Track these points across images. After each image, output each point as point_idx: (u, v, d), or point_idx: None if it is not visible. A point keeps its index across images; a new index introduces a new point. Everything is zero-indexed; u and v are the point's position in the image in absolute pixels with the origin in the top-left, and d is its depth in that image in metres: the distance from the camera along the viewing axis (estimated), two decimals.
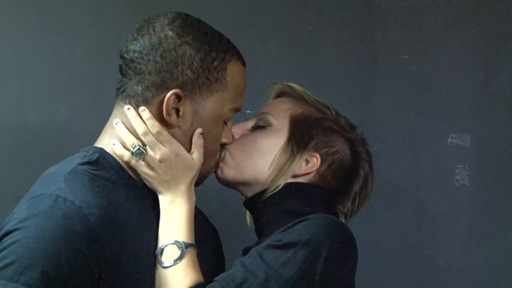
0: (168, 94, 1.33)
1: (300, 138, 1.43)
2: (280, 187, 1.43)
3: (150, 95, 1.34)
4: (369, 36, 2.15)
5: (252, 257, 1.30)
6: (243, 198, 1.51)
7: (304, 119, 1.45)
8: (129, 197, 1.35)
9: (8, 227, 1.22)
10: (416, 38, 2.16)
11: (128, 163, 1.36)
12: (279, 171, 1.43)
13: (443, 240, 2.15)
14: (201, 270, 1.35)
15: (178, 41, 1.34)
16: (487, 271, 2.15)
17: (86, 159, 1.35)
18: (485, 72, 2.16)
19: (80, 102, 1.93)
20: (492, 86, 2.16)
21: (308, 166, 1.44)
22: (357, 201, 1.51)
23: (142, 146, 1.35)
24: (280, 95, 1.55)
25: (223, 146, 1.46)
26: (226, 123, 1.41)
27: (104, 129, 1.42)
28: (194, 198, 1.38)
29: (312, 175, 1.46)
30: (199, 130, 1.36)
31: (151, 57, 1.33)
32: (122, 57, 1.37)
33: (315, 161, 1.45)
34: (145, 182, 1.37)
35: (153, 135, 1.33)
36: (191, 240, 1.33)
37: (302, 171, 1.44)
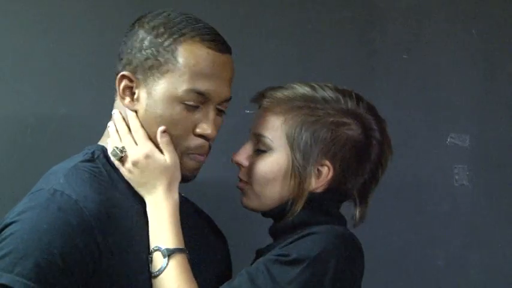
0: (118, 76, 1.38)
1: (301, 153, 1.37)
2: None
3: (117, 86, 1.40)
4: (368, 36, 2.15)
5: (259, 270, 1.29)
6: None
7: (299, 130, 1.37)
8: (127, 195, 1.37)
9: (7, 220, 1.26)
10: (415, 38, 2.16)
11: None
12: (298, 193, 1.39)
13: (443, 240, 2.15)
14: (206, 277, 1.36)
15: (137, 28, 1.39)
16: (486, 271, 2.15)
17: (87, 157, 1.38)
18: (484, 72, 2.16)
19: (79, 102, 1.93)
20: (491, 86, 2.16)
21: (321, 178, 1.39)
22: (379, 170, 1.48)
23: (121, 148, 1.37)
24: (266, 105, 1.45)
25: (207, 139, 1.38)
26: (193, 106, 1.35)
27: (107, 128, 1.45)
28: (176, 201, 1.35)
29: (328, 182, 1.41)
30: (161, 129, 1.35)
31: (122, 51, 1.41)
32: None
33: (327, 170, 1.39)
34: None
35: (131, 136, 1.36)
36: (177, 245, 1.31)
37: (318, 185, 1.40)
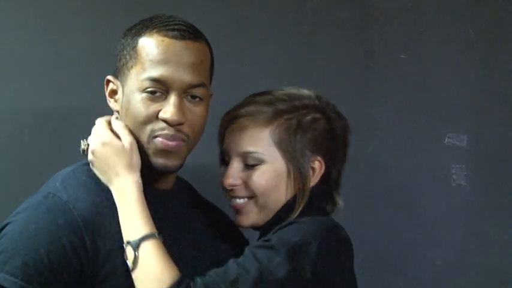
0: (105, 82, 1.44)
1: (297, 156, 1.43)
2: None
3: None
4: (365, 36, 2.15)
5: (245, 255, 1.32)
6: None
7: (288, 136, 1.43)
8: None
9: (4, 221, 1.32)
10: (413, 38, 2.16)
11: None
12: (302, 191, 1.44)
13: (440, 240, 2.15)
14: (195, 266, 1.36)
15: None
16: (484, 270, 2.15)
17: (87, 162, 1.41)
18: (482, 72, 2.16)
19: (78, 102, 1.93)
20: (489, 86, 2.16)
21: (316, 173, 1.46)
22: (347, 150, 1.54)
23: (87, 142, 1.41)
24: (244, 124, 1.47)
25: (170, 124, 1.37)
26: (154, 94, 1.35)
27: None
28: (138, 183, 1.33)
29: (321, 176, 1.48)
30: (109, 120, 1.41)
31: None
32: None
33: (319, 164, 1.46)
34: None
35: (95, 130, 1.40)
36: (147, 231, 1.29)
37: (315, 180, 1.46)
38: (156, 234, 1.30)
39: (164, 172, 1.41)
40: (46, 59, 1.93)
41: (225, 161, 1.49)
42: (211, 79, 1.46)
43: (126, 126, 1.38)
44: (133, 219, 1.30)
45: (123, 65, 1.39)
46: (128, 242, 1.29)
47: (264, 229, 1.47)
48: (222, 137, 1.50)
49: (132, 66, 1.37)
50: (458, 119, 2.15)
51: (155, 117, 1.36)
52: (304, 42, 2.13)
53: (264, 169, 1.43)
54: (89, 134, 1.48)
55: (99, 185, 1.35)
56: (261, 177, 1.43)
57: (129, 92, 1.37)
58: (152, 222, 1.32)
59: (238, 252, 1.43)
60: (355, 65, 2.15)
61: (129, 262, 1.28)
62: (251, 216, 1.45)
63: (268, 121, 1.44)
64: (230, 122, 1.48)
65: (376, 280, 2.09)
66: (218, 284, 1.26)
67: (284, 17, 2.12)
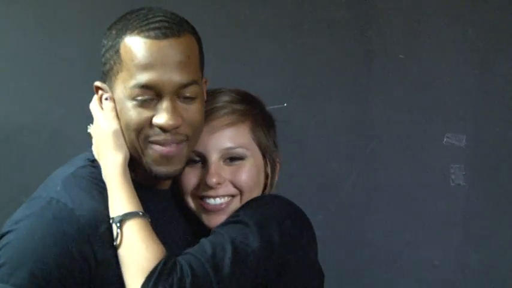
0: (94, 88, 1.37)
1: (270, 147, 1.47)
2: None
3: None
4: (364, 36, 2.15)
5: (215, 233, 1.32)
6: None
7: (261, 130, 1.46)
8: None
9: (4, 229, 1.24)
10: (411, 38, 2.16)
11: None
12: (273, 176, 1.48)
13: (439, 240, 2.15)
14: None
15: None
16: (482, 270, 2.15)
17: (87, 162, 1.36)
18: (480, 72, 2.16)
19: (77, 102, 1.93)
20: (488, 86, 2.16)
21: (278, 168, 1.50)
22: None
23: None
24: (226, 122, 1.45)
25: (164, 130, 1.31)
26: (145, 101, 1.28)
27: None
28: (121, 164, 1.31)
29: None
30: (104, 96, 1.34)
31: None
32: None
33: (280, 159, 1.51)
34: None
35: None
36: (130, 209, 1.27)
37: (278, 175, 1.51)
38: (140, 213, 1.27)
39: (167, 179, 1.38)
40: (46, 59, 1.93)
41: (192, 161, 1.43)
42: (202, 69, 1.38)
43: (114, 108, 1.32)
44: (117, 197, 1.28)
45: (109, 70, 1.32)
46: (112, 219, 1.26)
47: None
48: None
49: (118, 72, 1.30)
50: (457, 119, 2.15)
51: (149, 123, 1.29)
52: (304, 42, 2.13)
53: (247, 164, 1.43)
54: (87, 136, 1.47)
55: (101, 190, 1.30)
56: (246, 173, 1.43)
57: (120, 100, 1.31)
58: (138, 201, 1.29)
59: None
60: (353, 65, 2.15)
61: (114, 239, 1.25)
62: (228, 213, 1.43)
63: (244, 117, 1.45)
64: (214, 119, 1.44)
65: (374, 280, 2.09)
66: (200, 261, 1.26)
67: (284, 17, 2.12)
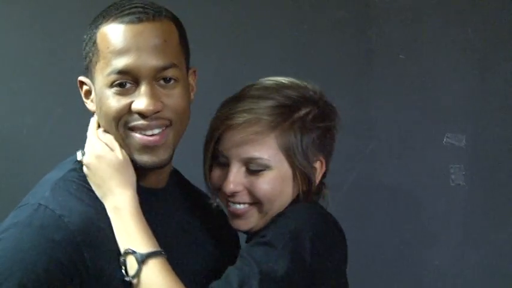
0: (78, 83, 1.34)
1: (302, 158, 1.37)
2: None
3: None
4: (364, 36, 2.16)
5: (242, 258, 1.28)
6: None
7: (294, 139, 1.37)
8: None
9: None
10: (411, 38, 2.16)
11: None
12: (308, 191, 1.40)
13: (439, 240, 2.15)
14: (190, 270, 1.32)
15: None
16: (482, 270, 2.15)
17: (76, 165, 1.32)
18: (480, 72, 2.16)
19: (75, 103, 1.93)
20: (487, 86, 2.16)
21: (317, 173, 1.41)
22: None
23: (83, 152, 1.32)
24: (246, 127, 1.38)
25: (143, 116, 1.26)
26: (122, 88, 1.25)
27: None
28: (134, 198, 1.27)
29: (322, 175, 1.44)
30: (100, 130, 1.30)
31: None
32: None
33: (320, 164, 1.41)
34: None
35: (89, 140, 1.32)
36: (153, 248, 1.24)
37: (317, 181, 1.42)
38: (163, 252, 1.25)
39: (153, 169, 1.32)
40: (46, 59, 1.93)
41: (219, 162, 1.40)
42: (187, 56, 1.34)
43: (114, 139, 1.28)
44: (134, 234, 1.25)
45: (89, 62, 1.29)
46: (132, 252, 1.23)
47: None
48: (216, 136, 1.40)
49: (96, 63, 1.27)
50: (457, 119, 2.15)
51: (127, 110, 1.25)
52: (304, 42, 2.13)
53: (269, 175, 1.37)
54: (86, 135, 1.47)
55: (91, 194, 1.28)
56: (266, 184, 1.37)
57: (99, 91, 1.27)
58: (155, 240, 1.26)
59: (231, 252, 1.40)
60: (354, 65, 2.15)
61: (131, 271, 1.23)
62: (252, 221, 1.39)
63: (273, 126, 1.36)
64: (227, 120, 1.38)
65: (373, 279, 2.09)
66: None
67: (284, 17, 2.12)
